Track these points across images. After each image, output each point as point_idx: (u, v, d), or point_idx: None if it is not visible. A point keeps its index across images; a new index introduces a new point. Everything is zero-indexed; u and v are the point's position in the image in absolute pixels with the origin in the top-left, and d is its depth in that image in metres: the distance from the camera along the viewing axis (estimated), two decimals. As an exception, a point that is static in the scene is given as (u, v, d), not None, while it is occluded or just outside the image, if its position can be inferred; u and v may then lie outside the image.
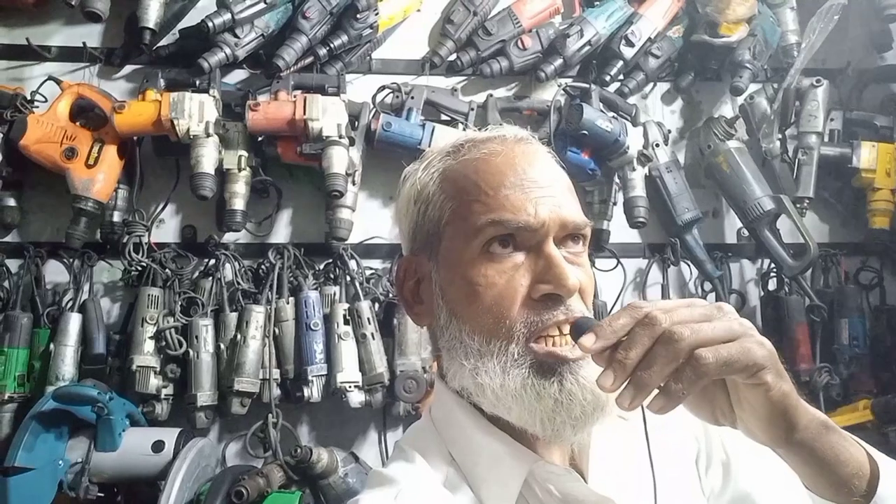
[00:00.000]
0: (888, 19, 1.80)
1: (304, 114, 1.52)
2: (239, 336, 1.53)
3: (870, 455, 0.62)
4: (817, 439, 0.59)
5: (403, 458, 0.72)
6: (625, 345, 0.55)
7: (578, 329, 0.60)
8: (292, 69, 1.60)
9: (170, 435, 1.42)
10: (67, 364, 1.50)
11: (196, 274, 1.63)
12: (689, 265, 1.79)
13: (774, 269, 1.76)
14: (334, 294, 1.61)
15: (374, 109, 1.66)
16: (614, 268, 1.74)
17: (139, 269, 1.58)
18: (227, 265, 1.62)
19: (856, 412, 1.58)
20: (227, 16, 1.52)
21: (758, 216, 1.68)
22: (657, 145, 1.72)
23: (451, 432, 0.72)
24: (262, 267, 1.63)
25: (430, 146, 1.58)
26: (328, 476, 1.44)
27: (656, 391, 0.55)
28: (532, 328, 0.64)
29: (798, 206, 1.69)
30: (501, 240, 0.66)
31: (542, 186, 0.68)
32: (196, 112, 1.53)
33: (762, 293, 1.81)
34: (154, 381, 1.50)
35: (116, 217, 1.61)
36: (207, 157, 1.53)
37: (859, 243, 1.84)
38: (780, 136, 1.77)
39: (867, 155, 1.75)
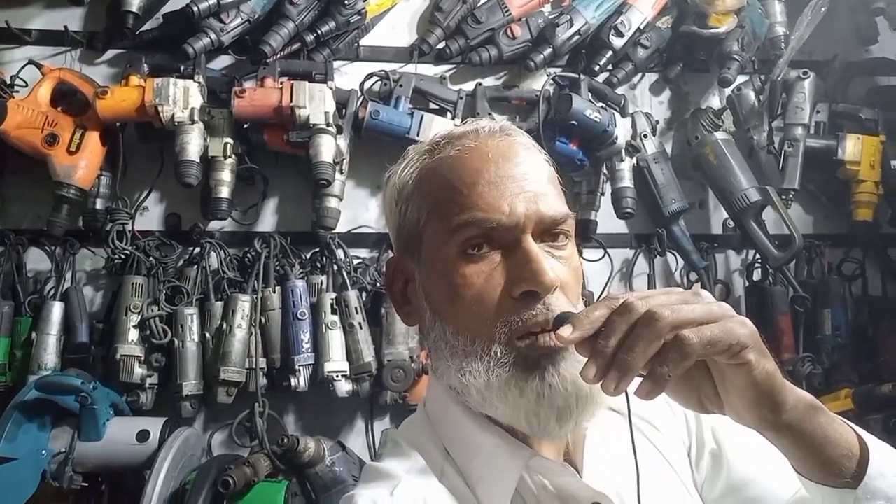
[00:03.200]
0: (874, 12, 1.81)
1: (291, 101, 1.51)
2: (225, 325, 1.52)
3: (858, 435, 0.62)
4: (805, 420, 0.58)
5: (398, 452, 0.72)
6: (604, 334, 0.55)
7: (558, 322, 0.59)
8: (279, 56, 1.58)
9: (155, 424, 1.41)
10: (50, 353, 1.48)
11: (181, 262, 1.62)
12: (675, 255, 1.80)
13: (759, 260, 1.78)
14: (321, 283, 1.60)
15: (362, 97, 1.64)
16: (601, 258, 1.75)
17: (122, 257, 1.56)
18: (213, 253, 1.60)
19: (837, 401, 1.60)
20: (213, 0, 1.49)
21: (744, 207, 1.69)
22: (645, 136, 1.73)
23: (446, 427, 0.72)
24: (248, 256, 1.62)
25: (418, 135, 1.58)
26: (315, 465, 1.43)
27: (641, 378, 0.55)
28: (513, 327, 0.63)
29: (784, 197, 1.71)
30: (476, 241, 0.65)
31: (518, 181, 0.66)
32: (181, 98, 1.51)
33: (747, 284, 1.83)
34: (138, 371, 1.49)
35: (99, 204, 1.59)
36: (192, 144, 1.51)
37: (843, 235, 1.85)
38: (766, 127, 1.78)
39: (852, 147, 1.77)
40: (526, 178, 0.67)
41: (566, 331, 0.56)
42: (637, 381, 0.55)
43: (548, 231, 0.67)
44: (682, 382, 0.59)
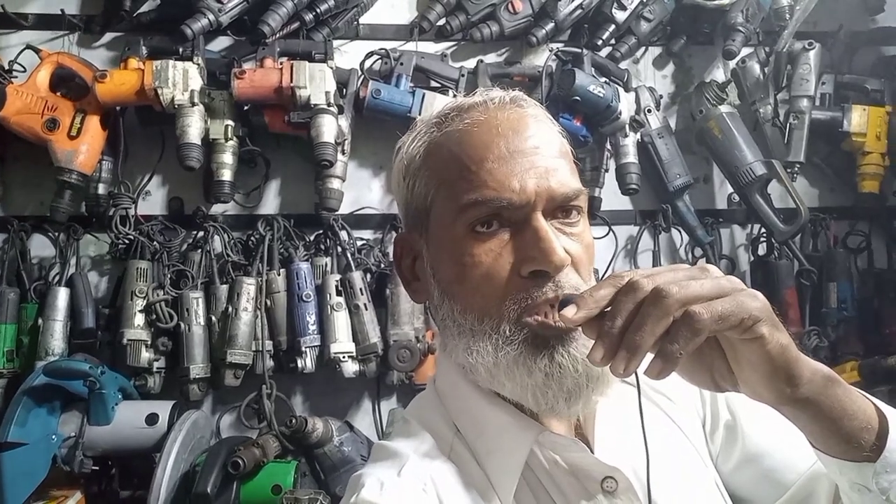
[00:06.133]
0: (881, -19, 1.78)
1: (291, 81, 1.49)
2: (230, 308, 1.52)
3: (877, 407, 0.59)
4: (822, 393, 0.56)
5: (407, 430, 0.72)
6: (609, 315, 0.54)
7: (563, 304, 0.58)
8: (278, 35, 1.56)
9: (163, 408, 1.42)
10: (57, 339, 1.49)
11: (184, 246, 1.61)
12: (680, 231, 1.79)
13: (764, 234, 1.77)
14: (326, 265, 1.60)
15: (363, 76, 1.63)
16: (606, 235, 1.74)
17: (126, 242, 1.56)
18: (216, 237, 1.60)
19: (843, 374, 1.61)
20: (210, -20, 1.48)
21: (749, 181, 1.68)
22: (649, 111, 1.71)
23: (456, 403, 0.71)
24: (252, 238, 1.62)
25: (420, 114, 1.56)
26: (323, 445, 1.45)
27: (651, 356, 0.54)
28: (522, 305, 0.63)
29: (789, 170, 1.69)
30: (485, 220, 0.64)
31: (528, 156, 0.64)
32: (180, 80, 1.50)
33: (752, 258, 1.82)
34: (145, 355, 1.50)
35: (101, 189, 1.59)
36: (193, 127, 1.50)
37: (848, 207, 1.84)
38: (771, 100, 1.76)
39: (858, 119, 1.75)
40: (537, 153, 0.65)
41: (570, 311, 0.55)
42: (647, 358, 0.54)
43: (559, 207, 0.66)
44: (693, 361, 0.57)
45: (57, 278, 1.55)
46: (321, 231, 1.65)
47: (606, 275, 1.73)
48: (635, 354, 0.52)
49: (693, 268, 0.56)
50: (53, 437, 1.36)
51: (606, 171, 1.72)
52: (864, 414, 0.58)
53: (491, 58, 1.74)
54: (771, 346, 0.54)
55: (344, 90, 1.60)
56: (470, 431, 0.69)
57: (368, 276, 1.61)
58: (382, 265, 1.63)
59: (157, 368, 1.52)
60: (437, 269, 0.69)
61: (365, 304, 1.55)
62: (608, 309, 0.54)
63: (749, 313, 0.52)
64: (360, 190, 1.70)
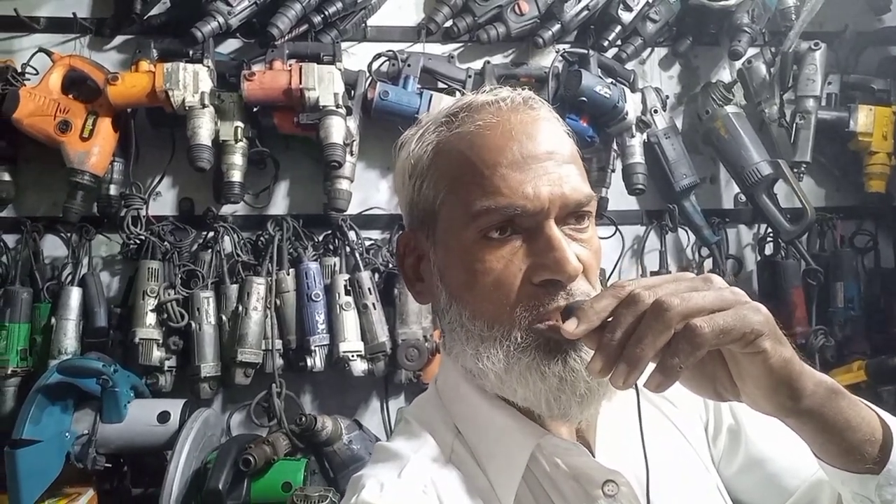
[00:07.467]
0: (887, -19, 1.78)
1: (300, 83, 1.50)
2: (240, 308, 1.53)
3: (882, 419, 0.59)
4: (826, 405, 0.55)
5: (408, 431, 0.72)
6: (609, 326, 0.53)
7: (566, 314, 0.58)
8: (286, 38, 1.57)
9: (175, 406, 1.44)
10: (69, 338, 1.51)
11: (195, 246, 1.63)
12: (686, 231, 1.79)
13: (771, 234, 1.77)
14: (334, 265, 1.62)
15: (371, 78, 1.64)
16: (612, 235, 1.75)
17: (137, 242, 1.57)
18: (226, 237, 1.61)
19: (850, 373, 1.61)
20: (220, -17, 1.49)
21: (755, 181, 1.69)
22: (655, 111, 1.72)
23: (458, 405, 0.71)
24: (262, 239, 1.63)
25: (427, 115, 1.57)
26: (333, 443, 1.46)
27: (652, 367, 0.53)
28: (534, 312, 0.62)
29: (795, 170, 1.70)
30: (498, 226, 0.63)
31: (542, 161, 0.63)
32: (191, 83, 1.51)
33: (759, 258, 1.82)
34: (157, 354, 1.51)
35: (113, 190, 1.60)
36: (204, 129, 1.52)
37: (855, 207, 1.85)
38: (777, 100, 1.77)
39: (864, 118, 1.75)
40: (550, 158, 0.64)
41: (571, 325, 0.55)
42: (649, 368, 0.53)
43: (571, 214, 0.65)
44: (695, 371, 0.57)
45: (69, 278, 1.57)
46: (330, 231, 1.67)
47: (612, 276, 1.74)
48: (635, 367, 0.52)
49: (696, 278, 0.55)
50: (67, 434, 1.38)
51: (613, 171, 1.73)
52: (868, 426, 0.57)
53: (497, 59, 1.75)
54: (773, 361, 0.53)
55: (352, 92, 1.61)
56: (471, 434, 0.69)
57: (376, 275, 1.62)
58: (390, 265, 1.64)
59: (169, 367, 1.54)
60: (444, 272, 0.68)
61: (373, 304, 1.56)
62: (609, 320, 0.54)
63: (751, 327, 0.52)
64: (368, 190, 1.72)
